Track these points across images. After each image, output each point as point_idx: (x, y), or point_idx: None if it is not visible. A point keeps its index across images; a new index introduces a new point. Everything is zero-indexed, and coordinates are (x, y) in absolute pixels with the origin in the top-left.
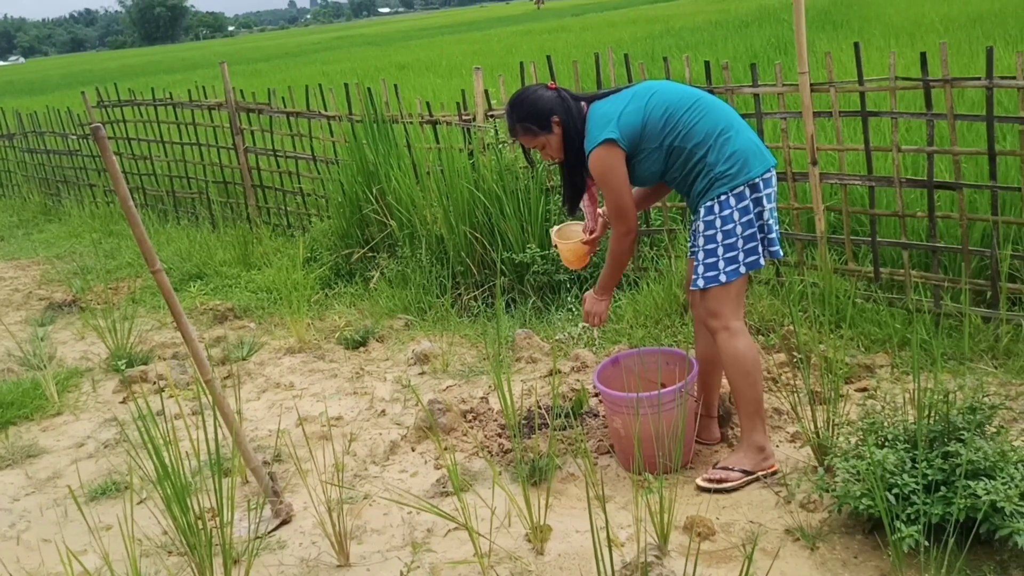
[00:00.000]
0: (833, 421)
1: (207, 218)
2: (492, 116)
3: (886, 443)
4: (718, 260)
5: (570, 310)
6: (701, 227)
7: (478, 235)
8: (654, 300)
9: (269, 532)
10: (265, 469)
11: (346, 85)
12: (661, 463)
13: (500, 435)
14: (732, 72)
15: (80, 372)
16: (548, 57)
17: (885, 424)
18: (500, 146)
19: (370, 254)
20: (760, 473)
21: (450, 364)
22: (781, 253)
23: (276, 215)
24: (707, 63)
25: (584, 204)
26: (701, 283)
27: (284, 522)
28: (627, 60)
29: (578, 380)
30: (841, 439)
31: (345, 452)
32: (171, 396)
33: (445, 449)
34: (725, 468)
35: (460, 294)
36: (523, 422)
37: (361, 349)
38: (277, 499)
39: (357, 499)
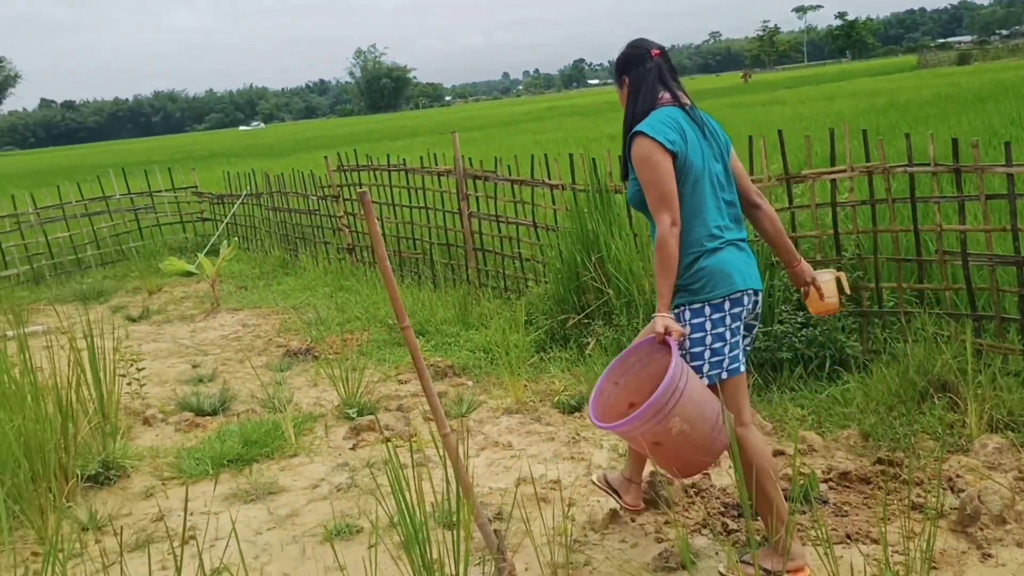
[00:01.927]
0: None
1: (429, 278)
2: None
3: None
4: (703, 363)
5: (792, 389)
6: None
7: None
8: (887, 385)
9: None
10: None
11: (571, 156)
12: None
13: (723, 513)
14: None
15: (314, 417)
16: (779, 132)
17: None
18: None
19: (585, 320)
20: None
21: None
22: (741, 370)
23: (494, 278)
24: (955, 140)
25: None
26: (704, 380)
27: None
28: (865, 136)
29: (804, 463)
30: None
31: (564, 516)
32: (396, 446)
33: (666, 523)
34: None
35: None
36: (748, 503)
37: (576, 414)
38: (502, 557)
39: (578, 565)
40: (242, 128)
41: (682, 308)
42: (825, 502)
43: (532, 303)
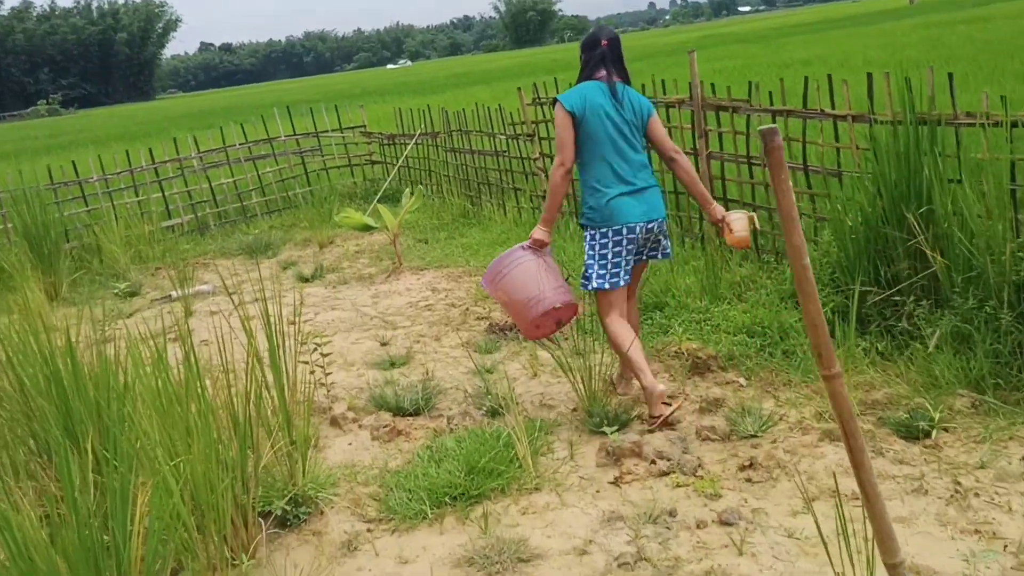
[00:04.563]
0: None
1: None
2: None
3: None
4: (588, 271)
5: None
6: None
7: None
8: None
9: None
10: None
11: (869, 75)
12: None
13: None
14: None
15: (548, 427)
16: None
17: None
18: None
19: (894, 297)
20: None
21: None
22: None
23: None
24: None
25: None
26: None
27: None
28: None
29: None
30: None
31: None
32: (678, 486)
33: None
34: None
35: None
36: None
37: (925, 441)
38: None
39: None
40: (389, 67)
41: (585, 229)
42: None
43: None
